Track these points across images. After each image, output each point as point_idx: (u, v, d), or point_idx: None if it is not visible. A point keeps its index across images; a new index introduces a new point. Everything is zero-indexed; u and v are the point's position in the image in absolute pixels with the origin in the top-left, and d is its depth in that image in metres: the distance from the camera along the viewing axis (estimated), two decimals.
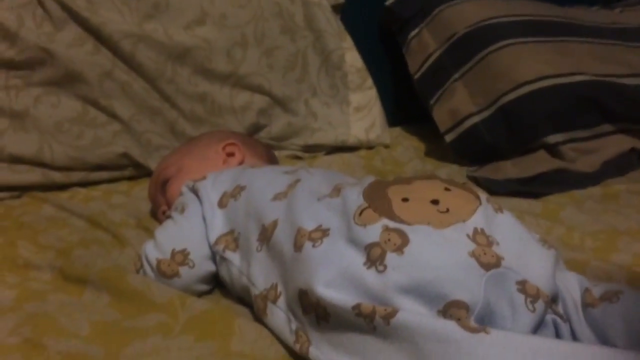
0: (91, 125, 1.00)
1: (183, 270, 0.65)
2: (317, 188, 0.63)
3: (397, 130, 1.25)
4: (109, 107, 1.00)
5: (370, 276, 0.50)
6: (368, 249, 0.51)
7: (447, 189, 0.56)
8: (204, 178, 0.72)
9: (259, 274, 0.60)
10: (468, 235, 0.52)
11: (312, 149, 1.13)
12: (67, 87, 0.99)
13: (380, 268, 0.50)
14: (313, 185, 0.64)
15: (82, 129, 0.99)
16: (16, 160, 0.95)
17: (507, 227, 0.55)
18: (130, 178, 1.02)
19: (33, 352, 0.52)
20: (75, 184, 0.98)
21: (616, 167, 0.99)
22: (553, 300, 0.53)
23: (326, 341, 0.51)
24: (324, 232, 0.55)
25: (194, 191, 0.71)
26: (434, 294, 0.48)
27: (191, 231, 0.67)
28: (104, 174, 1.00)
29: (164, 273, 0.65)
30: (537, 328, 0.52)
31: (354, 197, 0.57)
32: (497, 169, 1.00)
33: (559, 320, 0.53)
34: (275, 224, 0.60)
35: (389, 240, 0.51)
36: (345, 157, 1.11)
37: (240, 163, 0.83)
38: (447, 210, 0.54)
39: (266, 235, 0.60)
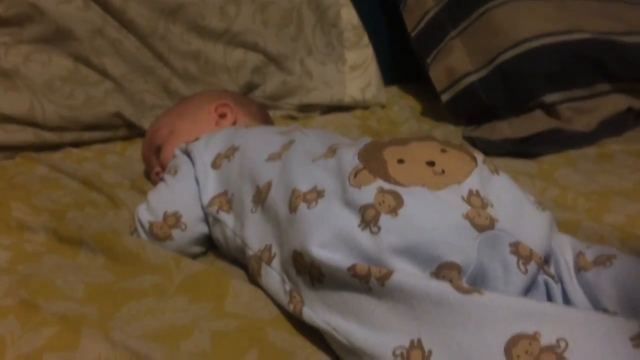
0: (83, 84, 0.98)
1: (175, 233, 0.65)
2: (312, 149, 0.63)
3: (394, 89, 1.24)
4: (101, 66, 0.99)
5: (364, 237, 0.50)
6: (362, 210, 0.51)
7: (443, 150, 0.56)
8: (196, 140, 0.72)
9: (253, 235, 0.60)
10: (463, 197, 0.52)
11: (307, 109, 1.12)
12: (57, 44, 0.97)
13: (375, 229, 0.50)
14: (308, 146, 0.64)
15: (73, 88, 0.98)
16: (7, 119, 0.94)
17: (503, 188, 0.55)
18: (123, 138, 1.01)
19: (28, 313, 0.52)
20: (68, 143, 0.97)
21: (612, 127, 0.99)
22: (546, 261, 0.53)
23: (320, 301, 0.51)
24: (319, 193, 0.55)
25: (187, 153, 0.70)
26: (427, 256, 0.49)
27: (183, 193, 0.67)
28: (97, 134, 1.00)
29: (157, 236, 0.65)
30: (529, 289, 0.52)
31: (349, 158, 0.56)
32: (493, 129, 1.00)
33: (550, 281, 0.53)
34: (269, 185, 0.60)
35: (383, 201, 0.51)
36: (341, 117, 1.11)
37: (233, 124, 0.82)
38: (443, 171, 0.53)
39: (260, 196, 0.60)
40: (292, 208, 0.55)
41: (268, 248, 0.58)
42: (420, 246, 0.49)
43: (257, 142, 0.68)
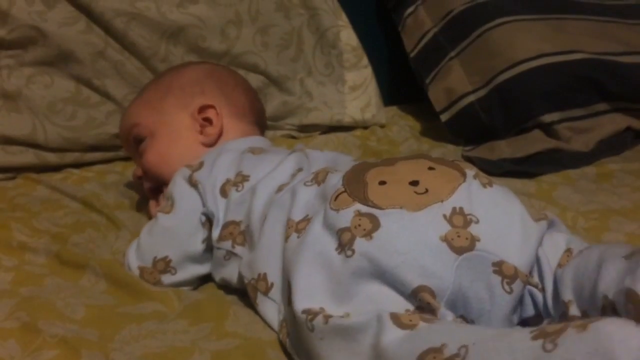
0: (84, 106, 0.99)
1: (165, 278, 0.65)
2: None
3: (393, 109, 1.24)
4: (102, 87, 1.00)
5: (338, 261, 0.50)
6: (340, 233, 0.51)
7: (430, 168, 0.56)
8: (200, 166, 0.69)
9: (254, 264, 0.59)
10: (445, 216, 0.51)
11: (307, 129, 1.13)
12: (60, 66, 0.98)
13: (349, 253, 0.50)
14: (310, 175, 0.63)
15: (75, 109, 0.98)
16: (9, 141, 0.94)
17: (493, 202, 0.54)
18: (124, 159, 1.02)
19: (28, 336, 0.52)
20: (69, 165, 0.98)
21: (611, 147, 0.99)
22: (530, 272, 0.53)
23: (295, 338, 0.51)
24: (308, 221, 0.55)
25: (192, 184, 0.67)
26: (399, 281, 0.48)
27: (174, 236, 0.65)
28: (98, 155, 1.00)
29: (147, 281, 0.65)
30: (517, 307, 0.52)
31: (335, 182, 0.56)
32: (492, 149, 1.00)
33: (534, 290, 0.53)
34: (272, 216, 0.60)
35: (359, 225, 0.51)
36: (341, 136, 1.11)
37: (219, 134, 0.77)
38: (426, 190, 0.53)
39: (263, 227, 0.60)
40: (286, 238, 0.56)
41: (262, 277, 0.57)
42: (392, 270, 0.49)
43: (267, 171, 0.66)
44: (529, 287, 0.53)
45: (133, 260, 0.66)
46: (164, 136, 0.77)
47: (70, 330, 0.54)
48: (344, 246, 0.50)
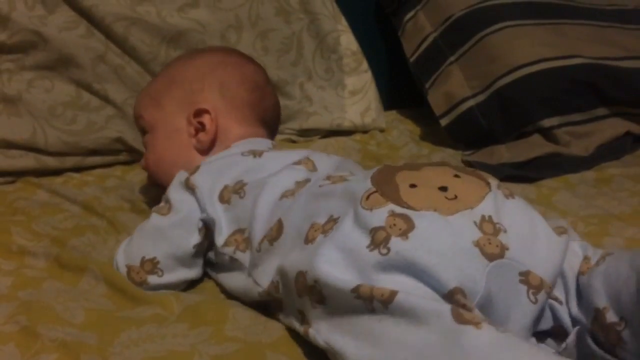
0: (85, 110, 0.99)
1: (151, 279, 0.65)
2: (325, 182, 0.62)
3: (393, 113, 1.25)
4: (102, 91, 1.00)
5: (372, 258, 0.50)
6: (373, 232, 0.51)
7: (456, 176, 0.56)
8: (197, 170, 0.69)
9: (263, 273, 0.59)
10: (475, 223, 0.51)
11: (307, 133, 1.13)
12: (60, 71, 0.98)
13: (384, 251, 0.50)
14: (322, 180, 0.62)
15: (75, 114, 0.98)
16: (9, 145, 0.94)
17: (517, 213, 0.54)
18: (124, 163, 1.02)
19: (27, 340, 0.52)
20: (69, 169, 0.98)
21: (611, 151, 0.99)
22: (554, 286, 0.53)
23: (324, 322, 0.51)
24: (335, 220, 0.55)
25: (189, 187, 0.67)
26: (436, 280, 0.49)
27: (166, 239, 0.66)
28: (98, 159, 1.00)
29: (133, 280, 0.65)
30: (540, 318, 0.52)
31: (362, 182, 0.57)
32: (492, 153, 1.01)
33: (555, 304, 0.53)
34: (280, 223, 0.59)
35: (394, 225, 0.51)
36: (341, 140, 1.11)
37: (212, 141, 0.76)
38: (455, 197, 0.53)
39: (272, 235, 0.59)
40: (310, 240, 0.55)
41: (275, 284, 0.57)
42: (430, 269, 0.49)
43: (269, 176, 0.66)
44: (551, 302, 0.53)
45: (121, 259, 0.66)
46: (161, 135, 0.78)
47: (69, 334, 0.54)
48: (378, 244, 0.50)
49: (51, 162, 0.97)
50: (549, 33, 1.09)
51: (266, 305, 0.60)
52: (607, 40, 1.09)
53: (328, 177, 0.62)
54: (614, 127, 1.02)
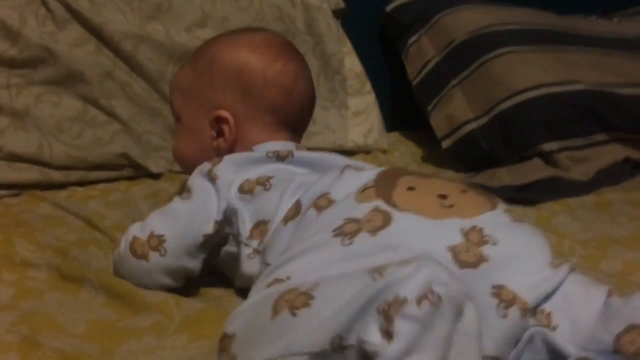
0: (91, 125, 1.00)
1: (153, 255, 0.64)
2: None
3: (395, 135, 1.26)
4: (109, 107, 1.01)
5: (334, 244, 0.50)
6: (346, 221, 0.52)
7: (463, 191, 0.56)
8: (220, 161, 0.68)
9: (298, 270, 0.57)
10: (462, 229, 0.51)
11: None
12: (68, 86, 0.99)
13: (347, 242, 0.50)
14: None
15: (82, 128, 0.99)
16: (15, 158, 0.95)
17: (519, 235, 0.54)
18: (128, 178, 1.03)
19: (29, 350, 0.52)
20: (73, 183, 0.98)
21: (610, 176, 1.00)
22: (535, 308, 0.51)
23: None
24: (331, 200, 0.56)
25: (210, 177, 0.66)
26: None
27: (181, 219, 0.65)
28: (103, 174, 1.01)
29: (135, 251, 0.64)
30: (514, 337, 0.50)
31: (369, 175, 0.58)
32: (493, 176, 1.01)
33: (547, 331, 0.50)
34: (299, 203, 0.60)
35: (370, 220, 0.51)
36: None
37: (231, 148, 0.75)
38: (451, 206, 0.53)
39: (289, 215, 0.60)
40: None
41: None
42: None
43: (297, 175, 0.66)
44: (540, 328, 0.50)
45: (132, 229, 0.67)
46: (186, 129, 0.79)
47: (70, 345, 0.54)
48: (345, 234, 0.51)
49: (56, 175, 0.97)
50: (550, 59, 1.10)
51: None
52: (607, 67, 1.11)
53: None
54: (613, 153, 1.03)
